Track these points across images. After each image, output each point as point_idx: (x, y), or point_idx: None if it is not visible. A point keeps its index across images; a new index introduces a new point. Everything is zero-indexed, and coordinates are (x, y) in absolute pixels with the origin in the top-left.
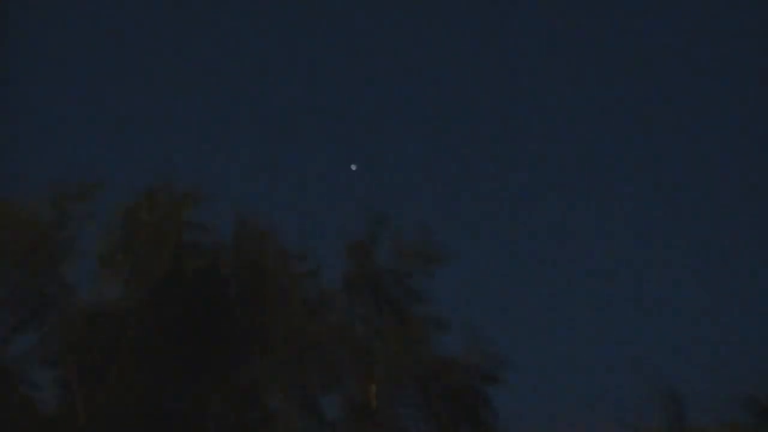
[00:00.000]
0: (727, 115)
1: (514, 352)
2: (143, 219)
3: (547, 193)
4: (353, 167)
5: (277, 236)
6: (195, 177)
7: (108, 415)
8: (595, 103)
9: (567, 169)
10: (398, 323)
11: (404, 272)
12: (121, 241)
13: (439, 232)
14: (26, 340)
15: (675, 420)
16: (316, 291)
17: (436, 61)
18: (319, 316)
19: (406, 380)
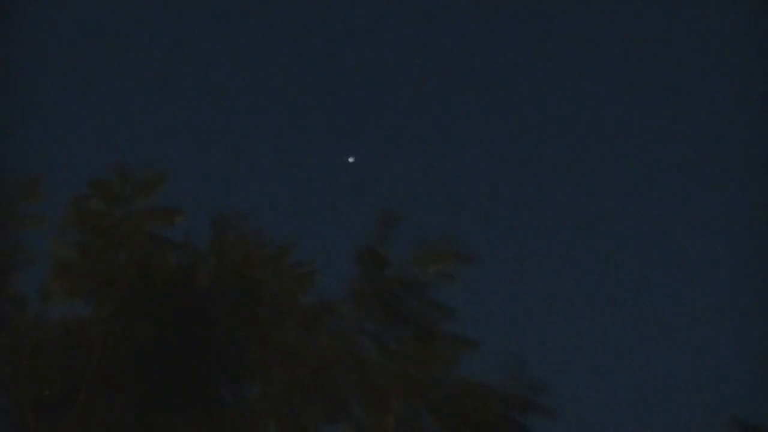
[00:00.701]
0: (728, 115)
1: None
2: (96, 213)
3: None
4: (350, 159)
5: (267, 237)
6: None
7: None
8: (596, 103)
9: (567, 169)
10: (416, 341)
11: (423, 281)
12: (76, 243)
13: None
14: None
15: None
16: (318, 302)
17: (435, 57)
18: (322, 332)
19: (425, 408)
